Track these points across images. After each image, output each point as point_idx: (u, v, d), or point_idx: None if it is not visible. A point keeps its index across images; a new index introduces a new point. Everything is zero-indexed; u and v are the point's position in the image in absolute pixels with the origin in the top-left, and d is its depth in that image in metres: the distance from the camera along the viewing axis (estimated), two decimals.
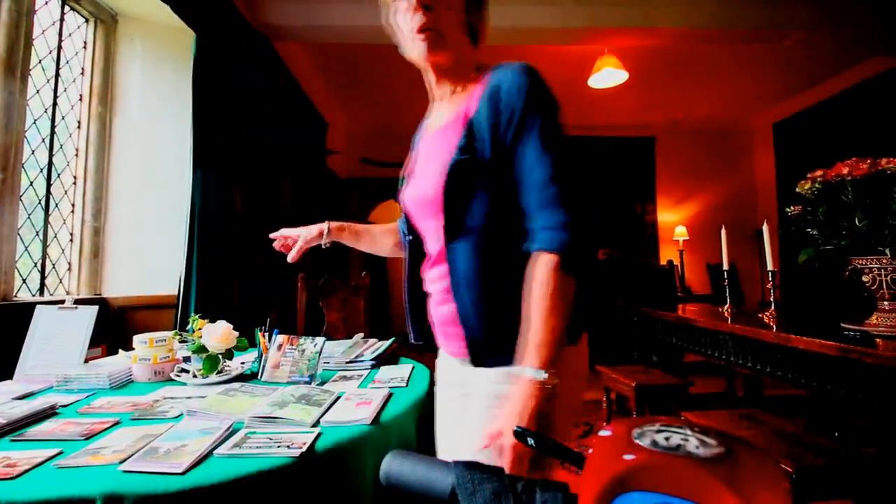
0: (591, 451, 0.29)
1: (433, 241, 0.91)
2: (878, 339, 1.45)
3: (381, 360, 1.48)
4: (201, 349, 1.20)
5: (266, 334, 1.31)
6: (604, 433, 0.30)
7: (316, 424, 0.90)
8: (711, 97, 4.93)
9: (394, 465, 0.33)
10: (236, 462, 0.74)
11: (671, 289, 4.77)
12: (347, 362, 1.45)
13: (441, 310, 0.89)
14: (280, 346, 1.28)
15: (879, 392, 1.32)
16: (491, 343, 0.81)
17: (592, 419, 3.09)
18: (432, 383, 1.30)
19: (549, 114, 0.80)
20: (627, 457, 0.27)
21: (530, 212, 0.78)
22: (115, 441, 0.84)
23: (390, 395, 1.11)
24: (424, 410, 1.14)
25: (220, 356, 1.22)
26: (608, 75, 3.83)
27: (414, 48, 0.89)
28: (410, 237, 0.99)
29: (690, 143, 5.81)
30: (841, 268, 1.66)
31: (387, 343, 1.63)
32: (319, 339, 1.31)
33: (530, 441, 0.39)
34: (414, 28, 0.85)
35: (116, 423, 0.94)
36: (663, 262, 5.55)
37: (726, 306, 2.22)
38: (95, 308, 1.40)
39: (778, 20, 3.04)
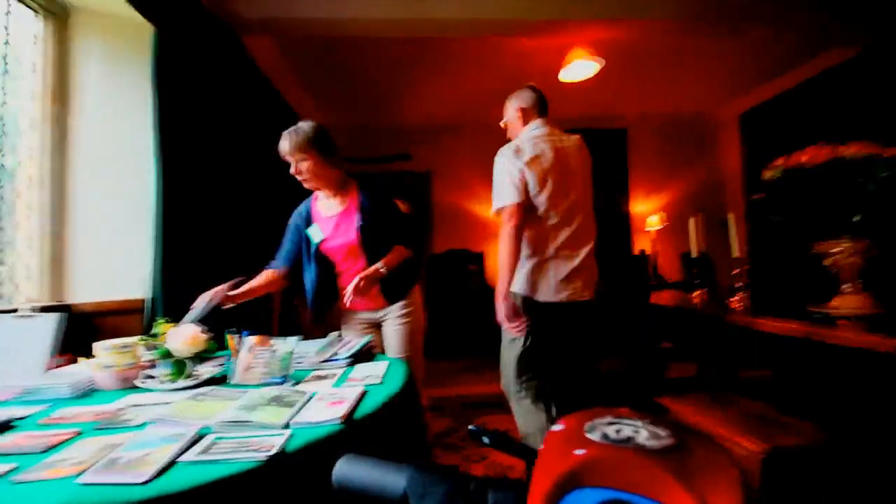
0: (542, 446, 0.29)
1: (350, 262, 1.86)
2: (839, 321, 1.51)
3: (357, 358, 1.47)
4: (167, 354, 1.16)
5: (236, 336, 1.28)
6: (556, 427, 0.30)
7: (287, 426, 0.89)
8: (680, 89, 5.02)
9: (346, 469, 0.32)
10: (202, 468, 0.72)
11: (644, 277, 4.85)
12: (322, 361, 1.43)
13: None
14: (251, 348, 1.25)
15: (842, 371, 1.38)
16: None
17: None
18: (409, 379, 1.29)
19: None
20: (578, 451, 0.27)
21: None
22: (75, 453, 0.81)
23: (364, 392, 1.09)
24: (400, 406, 1.13)
25: (188, 360, 1.19)
26: (579, 68, 3.86)
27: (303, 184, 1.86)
28: (318, 264, 1.88)
29: (661, 135, 5.91)
30: (804, 252, 1.72)
31: (363, 341, 1.61)
32: (292, 339, 1.28)
33: (485, 439, 0.39)
34: (298, 179, 1.84)
35: (77, 434, 0.91)
36: (637, 251, 5.65)
37: (696, 293, 2.27)
38: (57, 315, 1.34)
39: (741, 12, 3.10)
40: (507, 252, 1.79)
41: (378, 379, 1.22)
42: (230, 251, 2.64)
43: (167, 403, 1.05)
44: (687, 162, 5.93)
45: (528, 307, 1.86)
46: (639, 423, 0.28)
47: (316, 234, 1.87)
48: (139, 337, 1.28)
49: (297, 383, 1.21)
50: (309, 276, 1.90)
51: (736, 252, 2.01)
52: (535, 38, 3.57)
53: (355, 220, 1.81)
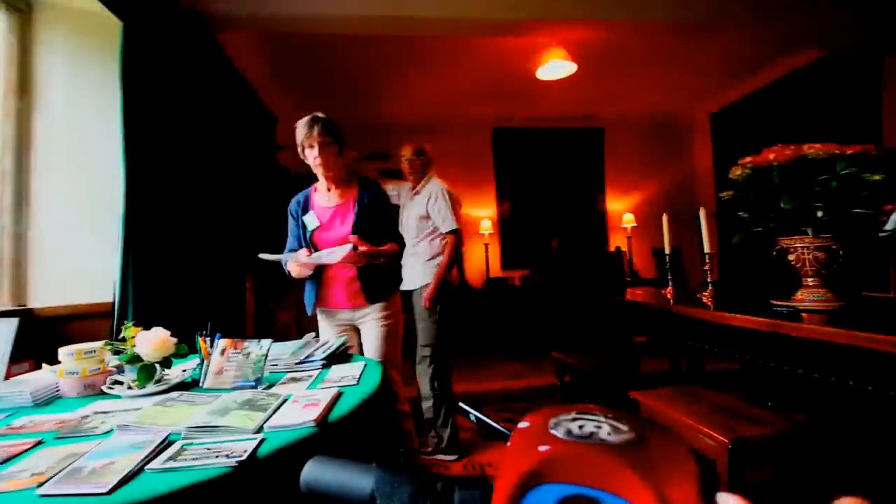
0: (508, 444, 0.29)
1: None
2: (803, 314, 1.56)
3: (333, 360, 1.45)
4: (135, 359, 1.13)
5: (207, 339, 1.25)
6: (522, 424, 0.30)
7: (259, 430, 0.87)
8: (654, 90, 5.12)
9: (313, 472, 0.32)
10: (169, 476, 0.70)
11: (619, 274, 4.95)
12: (297, 363, 1.41)
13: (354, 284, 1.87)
14: (223, 351, 1.22)
15: (805, 363, 1.42)
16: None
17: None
18: (385, 379, 1.29)
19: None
20: (542, 448, 0.27)
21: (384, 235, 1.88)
22: (35, 463, 0.77)
23: (340, 394, 1.08)
24: (376, 406, 1.12)
25: (157, 365, 1.16)
26: (556, 67, 3.90)
27: (317, 169, 1.86)
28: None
29: (637, 134, 6.03)
30: (770, 248, 1.77)
31: (339, 341, 1.60)
32: (265, 341, 1.26)
33: (472, 417, 0.40)
34: (315, 163, 1.84)
35: (38, 444, 0.87)
36: (612, 248, 5.75)
37: (668, 288, 2.32)
38: (14, 321, 1.28)
39: (714, 13, 3.18)
40: (450, 260, 2.50)
41: (354, 380, 1.21)
42: (200, 253, 2.57)
43: (135, 410, 1.02)
44: (661, 160, 6.06)
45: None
46: (601, 419, 0.28)
47: (312, 221, 1.89)
48: (105, 341, 1.24)
49: (270, 386, 1.19)
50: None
51: (707, 248, 2.07)
52: (512, 38, 3.59)
53: (351, 215, 1.84)
